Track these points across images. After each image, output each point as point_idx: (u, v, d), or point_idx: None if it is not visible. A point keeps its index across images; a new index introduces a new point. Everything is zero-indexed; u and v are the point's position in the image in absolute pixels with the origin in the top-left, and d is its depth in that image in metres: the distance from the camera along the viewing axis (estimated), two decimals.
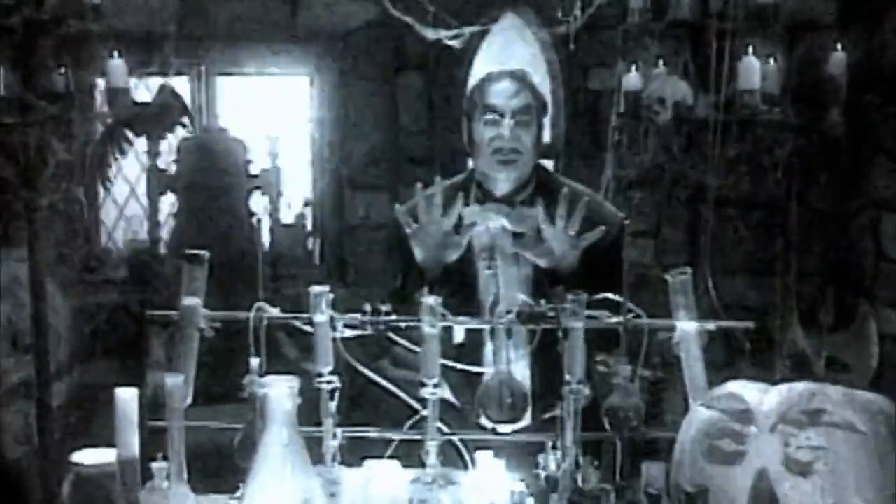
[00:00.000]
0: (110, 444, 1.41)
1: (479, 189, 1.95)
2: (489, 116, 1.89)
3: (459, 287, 1.89)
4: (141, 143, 3.90)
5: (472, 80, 2.02)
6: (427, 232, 1.80)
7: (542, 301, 1.57)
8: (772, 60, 3.45)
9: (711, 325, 1.59)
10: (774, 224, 3.83)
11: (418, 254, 1.83)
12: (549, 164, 3.64)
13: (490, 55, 3.81)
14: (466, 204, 1.90)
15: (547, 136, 4.11)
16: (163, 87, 3.74)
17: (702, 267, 3.59)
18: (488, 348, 1.86)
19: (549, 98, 4.02)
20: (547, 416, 1.62)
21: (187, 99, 3.99)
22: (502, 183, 1.91)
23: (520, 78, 1.92)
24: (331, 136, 4.22)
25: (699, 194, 3.76)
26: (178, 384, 1.44)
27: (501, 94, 1.89)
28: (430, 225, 1.80)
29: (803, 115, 3.56)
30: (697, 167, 3.70)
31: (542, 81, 3.94)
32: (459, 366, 1.79)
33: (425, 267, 1.83)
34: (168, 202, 3.99)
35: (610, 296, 1.56)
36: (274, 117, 4.37)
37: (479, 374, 1.72)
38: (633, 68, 3.65)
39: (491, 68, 2.00)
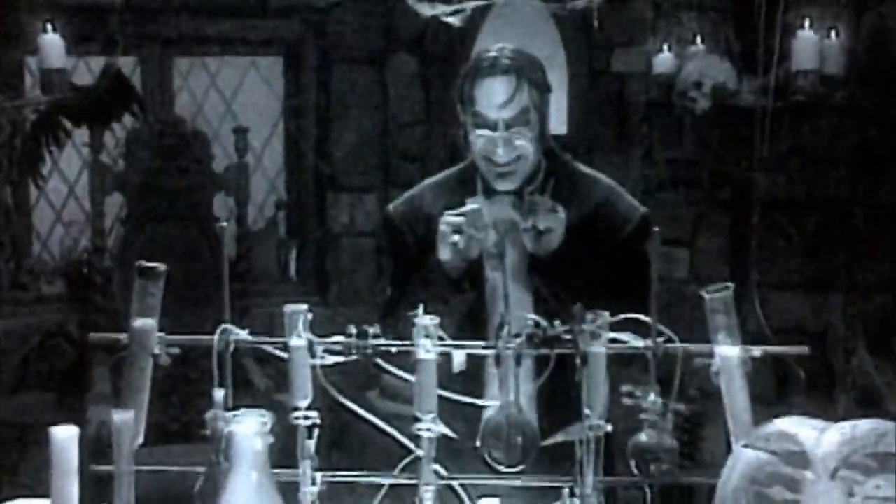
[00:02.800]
0: (44, 494, 1.41)
1: (483, 179, 1.97)
2: (480, 127, 1.89)
3: (464, 297, 1.91)
4: (81, 135, 3.91)
5: (462, 69, 1.97)
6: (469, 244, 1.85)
7: (557, 322, 1.59)
8: (833, 35, 3.46)
9: (758, 351, 1.59)
10: (835, 230, 3.83)
11: (445, 254, 1.86)
12: None
13: (495, 34, 3.82)
14: (467, 195, 1.94)
15: (562, 127, 4.18)
16: (108, 69, 3.76)
17: (747, 282, 3.60)
18: (489, 375, 1.87)
19: (565, 81, 4.11)
20: (550, 441, 1.62)
21: (137, 83, 4.01)
22: (502, 186, 1.94)
23: (516, 71, 1.88)
24: (309, 127, 4.25)
25: (743, 196, 3.77)
26: (126, 421, 1.45)
27: (492, 100, 1.87)
28: (473, 238, 1.85)
29: (871, 99, 3.57)
30: (741, 163, 3.72)
31: (552, 61, 3.97)
32: (460, 398, 1.80)
33: (449, 267, 1.86)
34: (114, 205, 4.00)
35: (638, 316, 1.57)
36: (241, 105, 4.40)
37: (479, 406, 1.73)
38: (666, 47, 3.68)
39: (484, 52, 1.96)
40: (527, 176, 1.94)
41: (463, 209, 1.87)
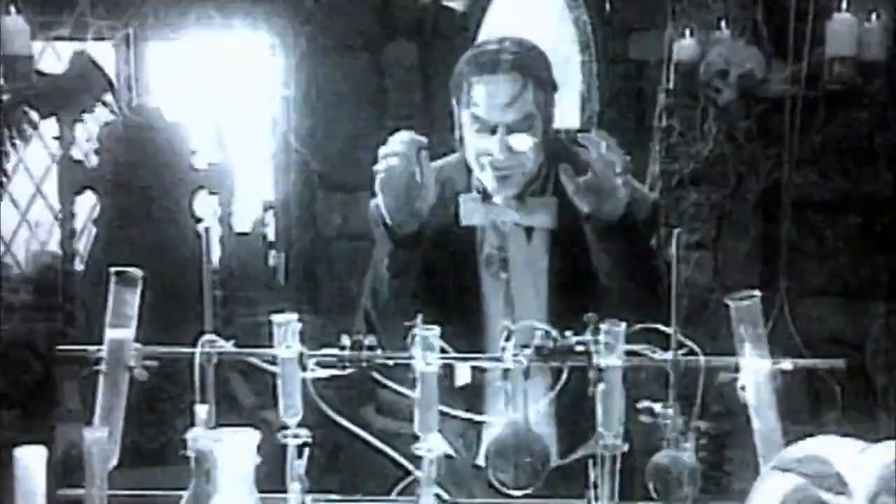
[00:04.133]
0: None
1: (479, 180, 1.95)
2: (478, 129, 1.87)
3: (459, 305, 1.90)
4: (49, 127, 3.92)
5: (460, 61, 1.94)
6: (396, 176, 1.81)
7: (569, 332, 1.59)
8: (874, 17, 3.46)
9: (788, 364, 1.60)
10: (873, 231, 3.84)
11: (385, 201, 1.84)
12: None
13: (501, 18, 3.84)
14: (463, 190, 1.94)
15: (574, 120, 4.18)
16: (78, 55, 3.77)
17: (776, 288, 3.60)
18: (493, 389, 1.88)
19: (576, 70, 4.11)
20: (565, 461, 1.62)
21: (110, 70, 4.02)
22: (500, 193, 1.93)
23: (521, 69, 1.85)
24: (299, 120, 4.25)
25: (773, 194, 3.77)
26: (99, 440, 1.45)
27: (493, 101, 1.84)
28: (392, 150, 1.81)
29: None
30: (770, 159, 3.72)
31: (563, 48, 3.97)
32: (463, 414, 1.81)
33: (395, 220, 1.84)
34: (86, 204, 4.01)
35: (658, 327, 1.57)
36: (224, 96, 4.40)
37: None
38: (688, 32, 3.68)
39: (484, 44, 1.93)
40: (527, 180, 1.93)
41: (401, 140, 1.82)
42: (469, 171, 1.97)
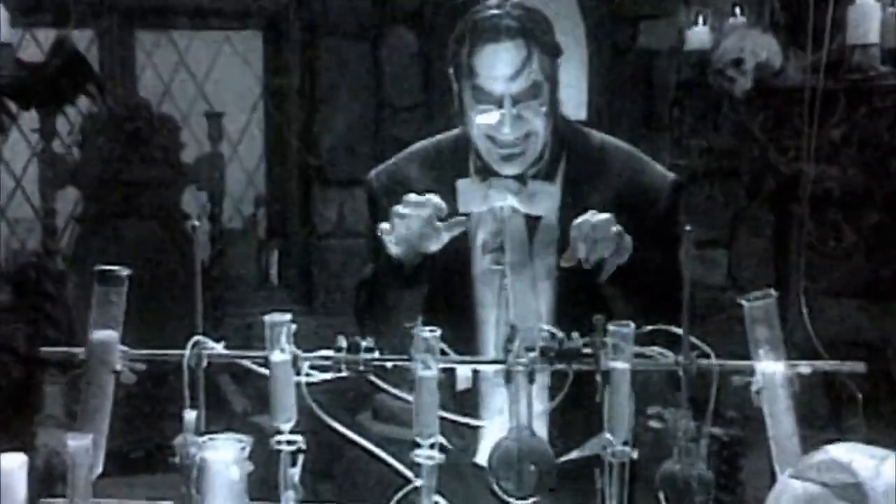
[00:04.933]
0: None
1: (479, 157, 1.91)
2: (482, 104, 1.83)
3: (450, 300, 1.89)
4: (30, 120, 3.92)
5: (457, 29, 1.88)
6: (407, 221, 1.77)
7: (575, 334, 1.59)
8: None
9: (806, 367, 1.60)
10: None
11: (393, 247, 1.81)
12: None
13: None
14: (459, 175, 1.90)
15: (581, 111, 4.18)
16: (60, 44, 3.76)
17: (793, 287, 3.60)
18: (492, 392, 1.87)
19: (584, 59, 4.11)
20: (565, 458, 1.62)
21: (94, 60, 4.02)
22: (507, 170, 1.89)
23: (524, 35, 1.80)
24: (293, 112, 4.26)
25: (790, 189, 3.77)
26: (83, 448, 1.46)
27: (496, 70, 1.80)
28: (412, 213, 1.77)
29: None
30: (787, 153, 3.72)
31: (570, 37, 3.97)
32: (463, 420, 1.81)
33: (401, 259, 1.83)
34: (68, 201, 4.01)
35: (668, 328, 1.57)
36: (214, 86, 4.41)
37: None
38: (700, 19, 3.68)
39: (484, 8, 1.86)
40: (533, 159, 1.89)
41: (413, 200, 1.78)
42: (467, 150, 1.94)
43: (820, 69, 3.57)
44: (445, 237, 1.80)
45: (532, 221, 1.89)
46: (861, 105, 3.62)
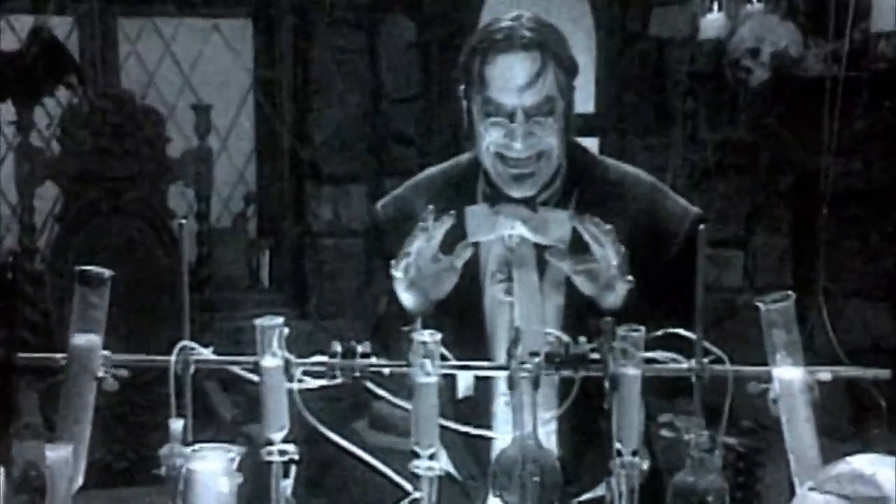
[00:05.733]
0: None
1: (488, 183, 1.93)
2: (493, 118, 1.84)
3: (461, 321, 1.89)
4: (5, 112, 3.92)
5: (468, 42, 1.91)
6: (421, 273, 1.81)
7: (582, 339, 1.59)
8: None
9: (826, 374, 1.60)
10: None
11: (406, 298, 1.84)
12: (591, 143, 3.66)
13: None
14: (465, 203, 1.90)
15: (589, 104, 4.18)
16: (37, 31, 3.76)
17: (813, 289, 3.61)
18: (500, 402, 1.88)
19: (592, 49, 4.11)
20: (584, 498, 1.63)
21: (74, 48, 4.02)
22: (517, 192, 1.91)
23: (539, 47, 1.83)
24: (285, 104, 4.26)
25: (810, 185, 3.78)
26: (63, 459, 1.46)
27: (509, 82, 1.82)
28: (424, 262, 1.80)
29: None
30: (807, 146, 3.72)
31: (578, 24, 3.98)
32: (465, 429, 1.81)
33: (413, 311, 1.84)
34: (47, 197, 4.02)
35: (679, 331, 1.57)
36: (202, 77, 4.41)
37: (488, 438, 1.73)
38: (715, 6, 3.68)
39: (497, 21, 1.89)
40: (546, 180, 1.91)
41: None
42: (475, 176, 1.96)
43: (842, 58, 3.58)
44: (455, 276, 1.82)
45: (543, 251, 1.88)
46: (884, 97, 3.62)
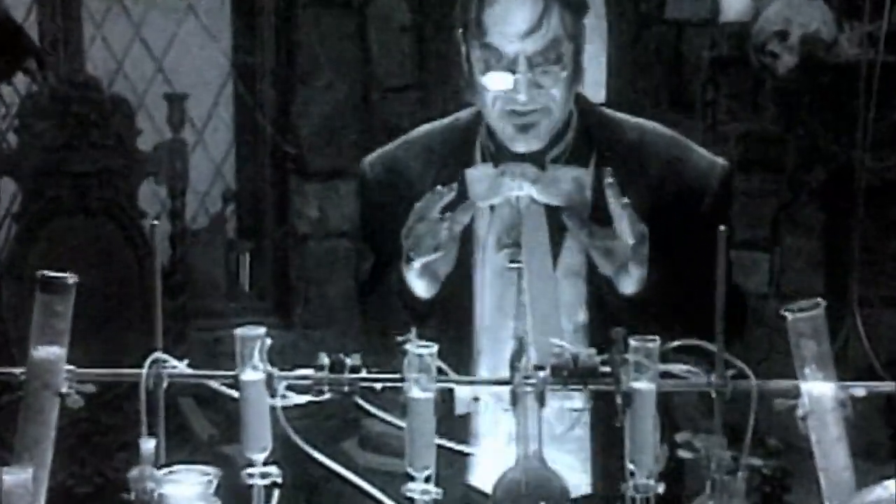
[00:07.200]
0: None
1: (491, 139, 1.92)
2: (492, 65, 1.83)
3: (452, 309, 1.91)
4: None
5: None
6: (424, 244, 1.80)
7: (592, 350, 1.59)
8: None
9: (861, 390, 1.60)
10: None
11: (419, 286, 1.84)
12: None
13: None
14: (466, 163, 1.91)
15: (600, 91, 4.17)
16: None
17: (846, 297, 3.61)
18: (489, 416, 1.89)
19: (603, 32, 4.11)
20: None
21: (33, 30, 4.02)
22: (521, 145, 1.89)
23: None
24: (266, 93, 4.26)
25: (842, 182, 3.79)
26: (21, 483, 1.46)
27: (510, 27, 1.80)
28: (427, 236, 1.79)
29: None
30: (840, 139, 3.73)
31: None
32: (462, 448, 1.82)
33: (426, 296, 1.85)
34: (4, 194, 4.02)
35: (700, 343, 1.57)
36: (175, 63, 4.41)
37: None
38: None
39: None
40: (553, 134, 1.90)
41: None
42: (475, 132, 1.95)
43: (879, 41, 3.58)
44: (456, 244, 1.82)
45: (555, 213, 1.87)
46: None
